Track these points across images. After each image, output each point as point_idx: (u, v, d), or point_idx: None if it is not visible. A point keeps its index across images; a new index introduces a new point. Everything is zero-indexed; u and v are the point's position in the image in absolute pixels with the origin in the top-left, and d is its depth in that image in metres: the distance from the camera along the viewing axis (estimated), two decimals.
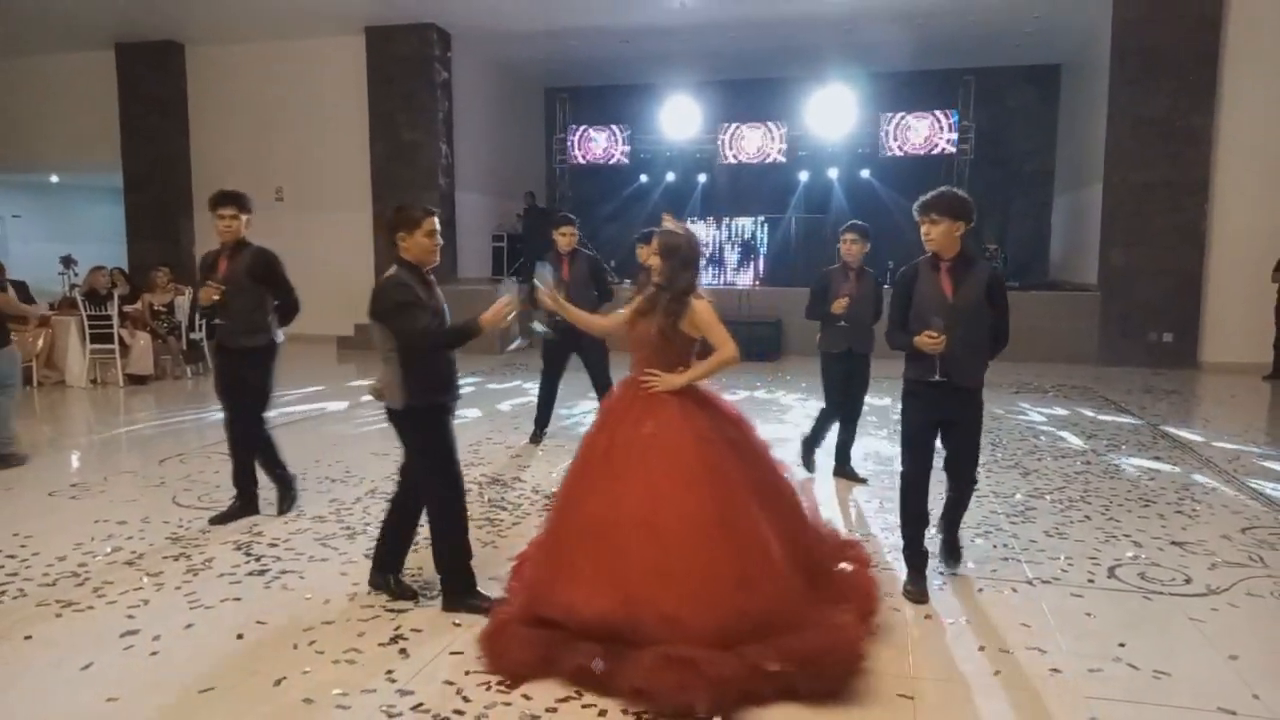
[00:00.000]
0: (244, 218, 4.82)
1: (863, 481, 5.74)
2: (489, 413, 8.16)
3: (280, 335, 4.93)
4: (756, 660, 2.94)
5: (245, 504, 4.97)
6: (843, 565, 3.67)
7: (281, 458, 5.08)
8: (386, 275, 3.65)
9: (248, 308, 4.75)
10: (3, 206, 17.88)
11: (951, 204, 3.73)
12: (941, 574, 4.15)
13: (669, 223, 3.64)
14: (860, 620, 3.32)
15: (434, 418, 3.65)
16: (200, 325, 10.24)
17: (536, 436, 6.92)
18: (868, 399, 5.87)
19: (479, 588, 3.74)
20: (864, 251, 5.52)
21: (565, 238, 6.60)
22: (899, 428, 4.03)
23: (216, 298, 4.70)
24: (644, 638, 3.00)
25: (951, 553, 4.18)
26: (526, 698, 2.99)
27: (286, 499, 5.08)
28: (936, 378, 3.73)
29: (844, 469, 5.86)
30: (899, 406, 4.02)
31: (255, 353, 4.81)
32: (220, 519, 4.87)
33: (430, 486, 3.71)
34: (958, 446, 3.94)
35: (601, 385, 6.53)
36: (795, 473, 5.60)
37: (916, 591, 3.85)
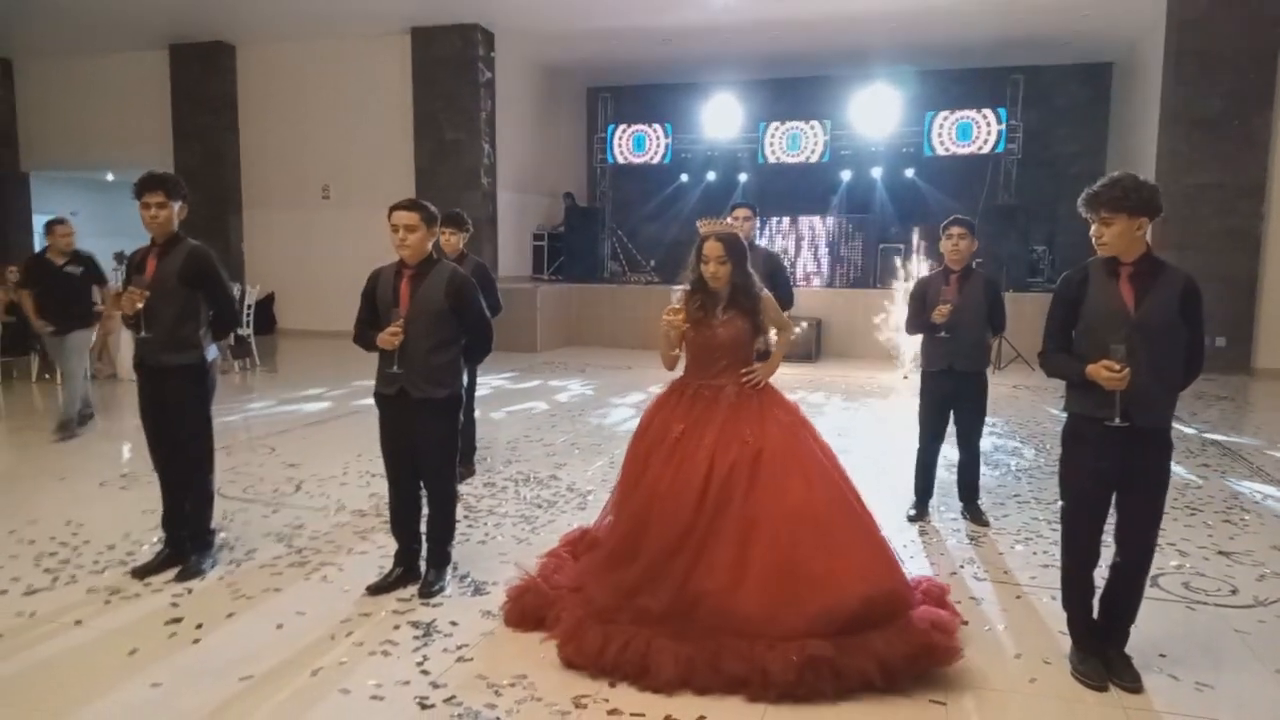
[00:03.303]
0: (175, 205, 4.01)
1: (986, 525, 4.89)
2: (525, 412, 8.22)
3: (214, 352, 4.14)
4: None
5: (175, 551, 4.15)
6: None
7: (212, 511, 4.26)
8: None
9: (174, 317, 3.96)
10: (61, 203, 18.36)
11: (1128, 196, 2.92)
12: (979, 579, 4.10)
13: (709, 225, 3.53)
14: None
15: (377, 404, 3.92)
16: (247, 322, 10.43)
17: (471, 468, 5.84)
18: None
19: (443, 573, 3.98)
20: (971, 250, 4.79)
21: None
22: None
23: (140, 305, 3.90)
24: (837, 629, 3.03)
25: (1118, 656, 3.19)
26: (555, 692, 3.01)
27: (195, 567, 4.07)
28: (1116, 421, 2.97)
29: (968, 509, 5.03)
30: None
31: (181, 374, 4.00)
32: (142, 571, 4.06)
33: None
34: (1134, 507, 3.12)
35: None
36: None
37: (1088, 669, 3.15)
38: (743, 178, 15.37)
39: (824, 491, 3.25)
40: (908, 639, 3.02)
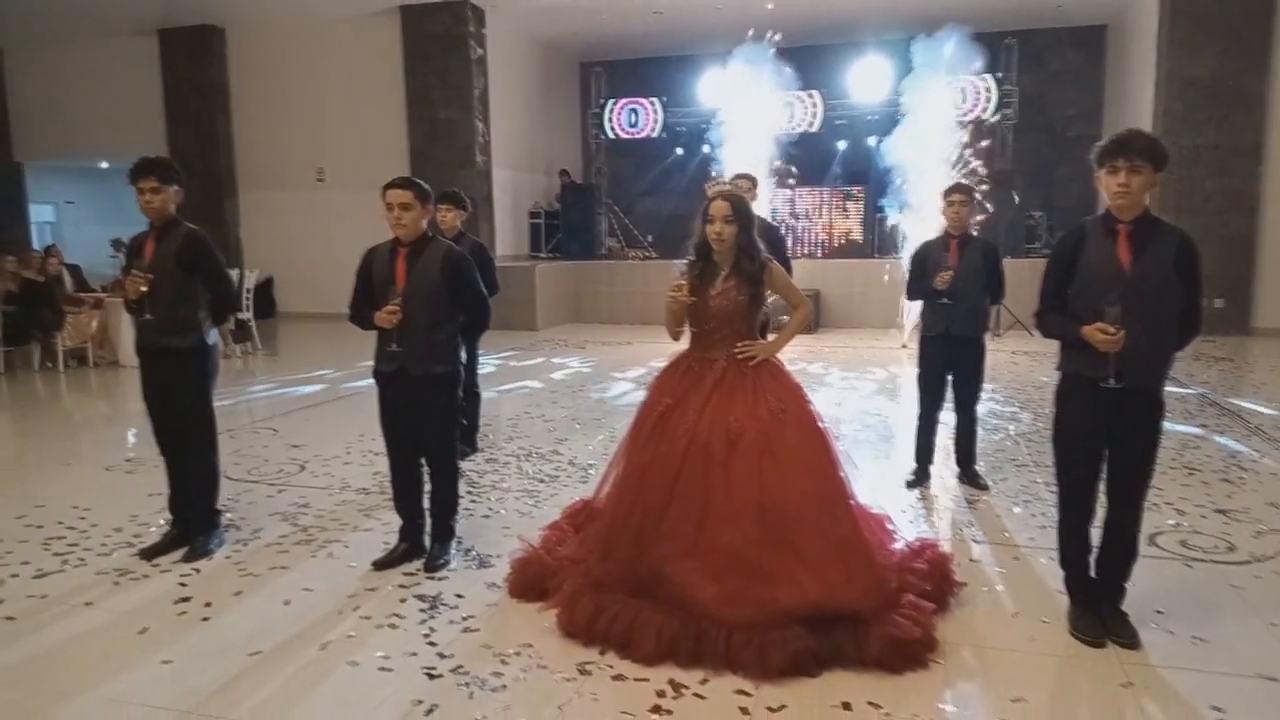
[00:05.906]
0: (170, 189, 4.00)
1: (985, 489, 4.91)
2: (527, 388, 8.25)
3: (214, 336, 4.15)
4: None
5: (181, 532, 4.18)
6: None
7: (218, 493, 4.30)
8: None
9: (173, 301, 3.96)
10: (56, 193, 18.32)
11: (1153, 147, 2.89)
12: (978, 542, 4.15)
13: (717, 185, 3.40)
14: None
15: (376, 381, 3.92)
16: (248, 307, 10.43)
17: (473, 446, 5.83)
18: None
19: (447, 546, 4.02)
20: (972, 215, 4.78)
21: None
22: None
23: (144, 289, 3.92)
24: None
25: (1115, 613, 3.21)
26: (560, 660, 3.05)
27: (202, 547, 4.09)
28: (1111, 383, 2.97)
29: (965, 473, 5.05)
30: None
31: (181, 357, 4.00)
32: (150, 552, 4.09)
33: None
34: (1125, 464, 3.10)
35: None
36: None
37: (1085, 626, 3.18)
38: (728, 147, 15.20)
39: (798, 489, 3.14)
40: (861, 647, 2.97)
